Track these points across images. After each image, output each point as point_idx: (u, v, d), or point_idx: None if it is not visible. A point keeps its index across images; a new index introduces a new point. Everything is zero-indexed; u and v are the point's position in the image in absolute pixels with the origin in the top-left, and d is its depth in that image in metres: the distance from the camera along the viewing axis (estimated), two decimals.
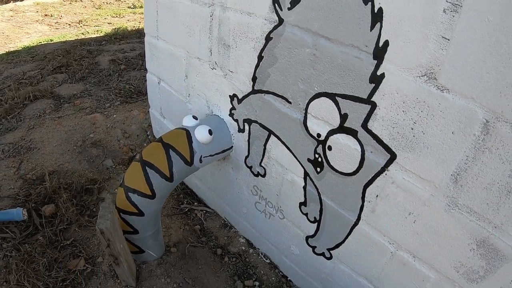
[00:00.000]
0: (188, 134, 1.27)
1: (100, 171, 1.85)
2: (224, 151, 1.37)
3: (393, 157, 0.90)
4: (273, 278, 1.43)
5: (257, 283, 1.40)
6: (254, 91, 1.21)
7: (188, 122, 1.32)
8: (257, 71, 1.16)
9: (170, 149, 1.23)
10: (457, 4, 0.67)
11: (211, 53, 1.31)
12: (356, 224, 1.07)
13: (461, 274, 0.87)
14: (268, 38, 1.08)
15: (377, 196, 0.98)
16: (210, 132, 1.27)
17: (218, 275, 1.41)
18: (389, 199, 0.95)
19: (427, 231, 0.90)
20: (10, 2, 7.03)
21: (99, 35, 4.49)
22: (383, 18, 0.79)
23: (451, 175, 0.81)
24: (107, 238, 1.12)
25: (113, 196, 1.69)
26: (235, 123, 1.35)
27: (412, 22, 0.75)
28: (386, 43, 0.81)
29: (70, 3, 6.89)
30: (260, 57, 1.13)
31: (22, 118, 2.36)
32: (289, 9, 0.98)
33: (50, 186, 1.72)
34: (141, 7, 6.68)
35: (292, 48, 1.02)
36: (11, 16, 5.56)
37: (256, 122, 1.25)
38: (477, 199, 0.78)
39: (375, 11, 0.80)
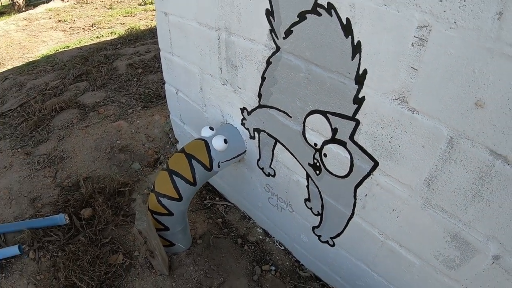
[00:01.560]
0: (206, 144, 1.45)
1: (129, 174, 2.07)
2: (238, 155, 1.55)
3: (376, 164, 1.05)
4: (287, 263, 1.62)
5: (273, 268, 1.60)
6: (260, 106, 1.36)
7: (205, 133, 1.50)
8: (261, 89, 1.31)
9: (192, 159, 1.41)
10: (423, 39, 0.80)
11: (221, 71, 1.47)
12: (351, 217, 1.23)
13: (440, 262, 1.02)
14: (268, 62, 1.22)
15: (366, 195, 1.13)
16: (225, 141, 1.45)
17: (239, 262, 1.62)
18: (375, 198, 1.11)
19: (409, 224, 1.05)
20: (22, 11, 7.25)
21: (113, 38, 4.64)
22: (362, 50, 0.92)
23: (424, 180, 0.95)
24: (144, 237, 1.34)
25: (143, 197, 1.91)
26: (247, 131, 1.51)
27: (385, 54, 0.88)
28: (365, 71, 0.94)
29: (81, 6, 7.06)
30: (263, 78, 1.27)
31: (52, 129, 2.56)
32: (284, 38, 1.12)
33: (86, 191, 1.93)
34: (151, 3, 6.77)
35: (289, 72, 1.16)
36: (26, 26, 5.77)
37: (264, 131, 1.41)
38: (447, 201, 0.92)
39: (355, 44, 0.93)
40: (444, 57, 0.78)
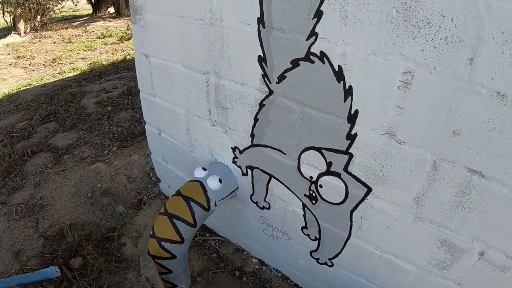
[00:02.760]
0: (202, 185, 1.45)
1: (115, 218, 1.97)
2: (232, 192, 1.56)
3: (369, 190, 1.13)
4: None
5: None
6: (253, 145, 1.40)
7: (199, 174, 1.50)
8: (254, 129, 1.35)
9: (190, 201, 1.40)
10: (407, 83, 0.91)
11: (210, 113, 1.49)
12: (348, 238, 1.29)
13: (433, 265, 1.12)
14: (261, 105, 1.27)
15: (361, 217, 1.21)
16: (220, 180, 1.46)
17: None
18: (370, 219, 1.19)
19: (403, 238, 1.14)
20: None
21: (76, 74, 4.46)
22: (353, 93, 1.02)
23: (413, 198, 1.05)
24: (151, 283, 1.28)
25: (133, 240, 1.82)
26: (239, 168, 1.53)
27: (375, 96, 0.98)
28: (356, 111, 1.04)
29: (39, 40, 6.70)
30: (256, 119, 1.32)
31: (25, 175, 2.38)
32: (277, 83, 1.18)
33: (73, 240, 1.81)
34: (110, 36, 6.61)
35: (283, 113, 1.22)
36: None
37: (257, 168, 1.45)
38: (435, 213, 1.03)
39: (347, 88, 1.02)
40: (426, 97, 0.89)
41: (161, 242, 1.36)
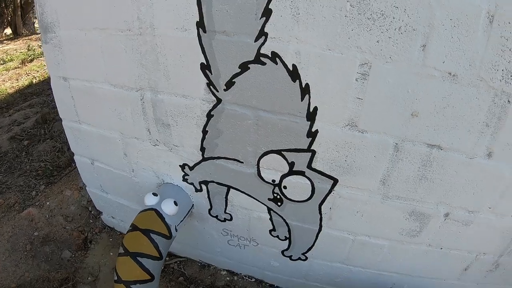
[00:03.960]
0: (157, 212, 1.21)
1: (64, 266, 1.53)
2: (188, 211, 1.34)
3: (335, 181, 1.07)
4: None
5: None
6: (204, 159, 1.20)
7: (150, 201, 1.24)
8: (204, 142, 1.16)
9: (150, 233, 1.15)
10: (365, 74, 0.84)
11: (149, 132, 1.23)
12: (319, 231, 1.22)
13: (404, 235, 1.13)
14: (209, 116, 1.09)
15: (330, 208, 1.14)
16: (175, 203, 1.23)
17: None
18: (340, 208, 1.13)
19: (373, 218, 1.12)
20: None
21: None
22: (310, 90, 0.91)
23: (380, 181, 1.02)
24: None
25: (91, 286, 1.46)
26: (191, 185, 1.32)
27: (333, 91, 0.90)
28: (315, 108, 0.94)
29: None
30: (204, 132, 1.13)
31: None
32: (225, 90, 1.02)
33: None
34: (11, 60, 5.30)
35: (235, 121, 1.06)
36: None
37: (212, 182, 1.26)
38: (401, 189, 1.02)
39: (303, 86, 0.92)
40: (384, 85, 0.85)
41: (130, 286, 1.08)
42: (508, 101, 0.77)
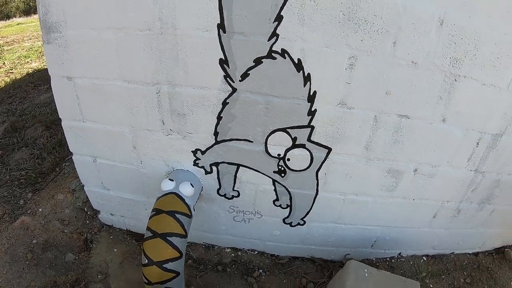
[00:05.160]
0: (177, 195, 1.39)
1: (70, 269, 1.58)
2: (199, 193, 1.54)
3: (329, 150, 1.39)
4: (267, 261, 1.77)
5: (261, 271, 1.71)
6: (217, 142, 1.42)
7: (168, 186, 1.42)
8: (218, 127, 1.38)
9: (175, 213, 1.33)
10: (352, 64, 1.17)
11: (163, 123, 1.41)
12: (316, 195, 1.54)
13: (384, 190, 1.51)
14: (224, 103, 1.32)
15: (325, 173, 1.46)
16: (192, 185, 1.43)
17: (234, 283, 1.63)
18: (333, 172, 1.46)
19: (359, 178, 1.47)
20: None
21: None
22: (311, 78, 1.21)
23: (364, 146, 1.37)
24: None
25: (103, 283, 1.54)
26: (201, 168, 1.52)
27: (328, 78, 1.22)
28: (315, 92, 1.25)
29: None
30: (219, 117, 1.36)
31: None
32: (240, 81, 1.26)
33: None
34: None
35: (248, 106, 1.31)
36: None
37: (223, 162, 1.48)
38: (380, 152, 1.39)
39: (305, 75, 1.21)
40: (366, 72, 1.19)
41: (163, 265, 1.26)
42: (455, 79, 1.17)
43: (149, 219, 1.37)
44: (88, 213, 1.76)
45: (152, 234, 1.31)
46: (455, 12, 1.06)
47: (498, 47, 1.12)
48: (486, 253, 1.91)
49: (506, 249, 1.92)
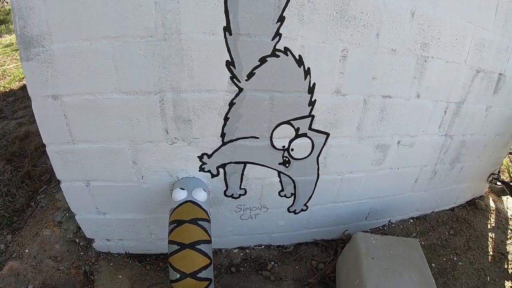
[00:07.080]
0: (193, 203, 1.43)
1: None
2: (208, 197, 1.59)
3: (328, 135, 1.59)
4: (275, 253, 1.88)
5: (272, 263, 1.82)
6: (224, 144, 1.50)
7: (181, 195, 1.45)
8: (224, 128, 1.47)
9: (197, 221, 1.37)
10: (345, 56, 1.39)
11: (167, 132, 1.43)
12: (317, 179, 1.72)
13: (374, 164, 1.77)
14: (231, 104, 1.41)
15: (325, 157, 1.66)
16: (204, 190, 1.48)
17: (252, 281, 1.71)
18: (331, 155, 1.66)
19: (353, 157, 1.70)
20: None
21: None
22: (311, 72, 1.39)
23: (356, 128, 1.60)
24: None
25: None
26: (207, 173, 1.57)
27: (325, 70, 1.41)
28: (314, 85, 1.43)
29: None
30: (226, 118, 1.44)
31: None
32: (246, 80, 1.37)
33: None
34: None
35: (254, 104, 1.43)
36: None
37: (230, 162, 1.56)
38: (370, 130, 1.64)
39: (306, 70, 1.38)
40: (356, 62, 1.42)
41: (197, 275, 1.29)
42: (425, 61, 1.47)
43: (170, 232, 1.38)
44: (81, 243, 1.64)
45: (179, 247, 1.33)
46: (423, 4, 1.36)
47: (456, 30, 1.46)
48: (460, 207, 2.34)
49: (477, 200, 2.39)
